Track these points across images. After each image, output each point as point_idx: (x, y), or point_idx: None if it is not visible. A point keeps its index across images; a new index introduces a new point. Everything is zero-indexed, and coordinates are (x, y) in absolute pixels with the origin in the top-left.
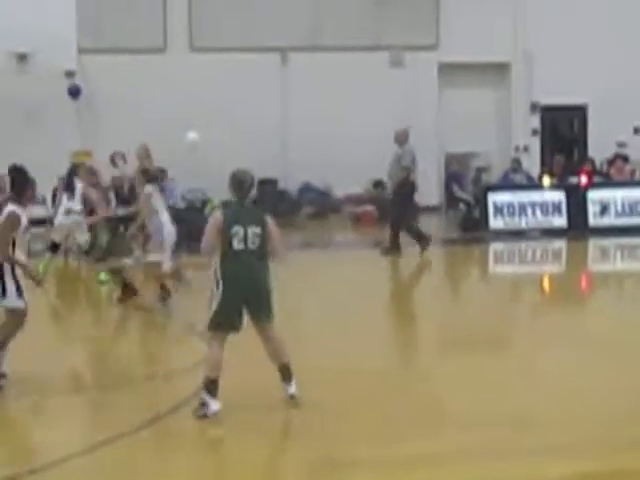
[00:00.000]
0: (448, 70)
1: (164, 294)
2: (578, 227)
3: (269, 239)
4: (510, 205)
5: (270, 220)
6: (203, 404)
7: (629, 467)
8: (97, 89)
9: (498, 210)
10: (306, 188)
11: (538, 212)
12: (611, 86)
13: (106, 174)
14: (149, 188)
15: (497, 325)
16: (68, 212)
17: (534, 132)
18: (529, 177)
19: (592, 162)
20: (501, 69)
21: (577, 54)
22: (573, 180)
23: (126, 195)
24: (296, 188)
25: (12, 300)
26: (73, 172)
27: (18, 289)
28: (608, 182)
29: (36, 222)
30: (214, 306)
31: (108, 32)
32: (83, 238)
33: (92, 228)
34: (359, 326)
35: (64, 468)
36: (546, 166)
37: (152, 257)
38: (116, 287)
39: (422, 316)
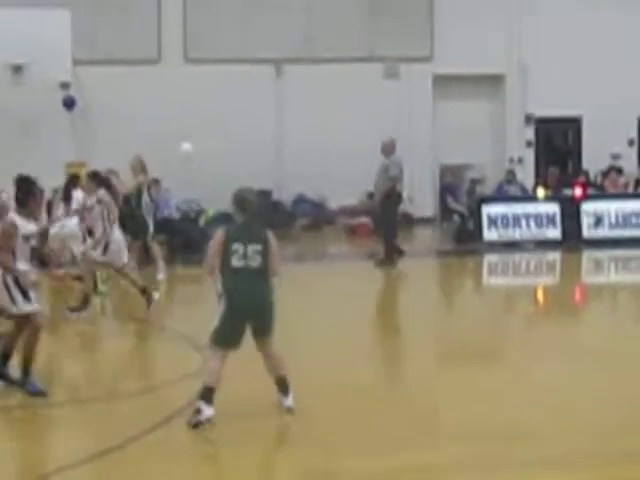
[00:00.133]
0: (443, 82)
1: (147, 299)
2: (572, 239)
3: (269, 256)
4: (504, 217)
5: (271, 237)
6: (198, 410)
7: (622, 479)
8: (92, 100)
9: (492, 222)
10: (300, 200)
11: (532, 224)
12: (605, 98)
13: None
14: (102, 192)
15: (491, 337)
16: (63, 224)
17: (528, 144)
18: (523, 189)
19: (586, 174)
20: (496, 81)
21: (572, 66)
22: (567, 192)
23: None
24: (290, 199)
25: (22, 306)
26: (71, 183)
27: (25, 295)
28: (602, 194)
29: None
30: (217, 322)
31: (103, 44)
32: (78, 248)
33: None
34: (353, 338)
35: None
36: (540, 178)
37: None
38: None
39: (416, 328)
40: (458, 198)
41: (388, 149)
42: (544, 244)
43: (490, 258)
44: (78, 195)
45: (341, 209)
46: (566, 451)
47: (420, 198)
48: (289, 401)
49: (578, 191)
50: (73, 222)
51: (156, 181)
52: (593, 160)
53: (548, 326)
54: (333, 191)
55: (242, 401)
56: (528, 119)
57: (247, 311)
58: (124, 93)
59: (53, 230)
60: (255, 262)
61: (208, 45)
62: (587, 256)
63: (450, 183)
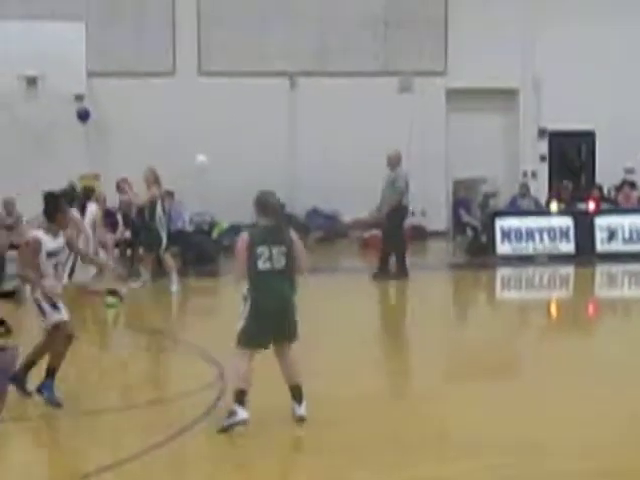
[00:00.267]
0: (456, 96)
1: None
2: (585, 253)
3: (295, 257)
4: (517, 230)
5: (296, 238)
6: (232, 413)
7: None
8: (106, 113)
9: (505, 235)
10: (314, 212)
11: (546, 238)
12: (619, 112)
13: (114, 198)
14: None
15: (503, 351)
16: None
17: (542, 158)
18: (537, 203)
19: (600, 188)
20: (509, 95)
21: (585, 80)
22: (581, 206)
23: (134, 218)
24: (304, 212)
25: (51, 317)
26: (85, 196)
27: (54, 306)
28: (616, 208)
29: None
30: (241, 324)
31: (117, 56)
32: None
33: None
34: (365, 351)
35: None
36: (554, 192)
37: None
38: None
39: (428, 341)
40: (471, 212)
41: (394, 162)
42: (557, 258)
43: (503, 272)
44: (92, 208)
45: (354, 222)
46: (580, 466)
47: (433, 212)
48: (302, 410)
49: (591, 205)
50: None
51: (170, 193)
52: (607, 174)
53: (561, 340)
54: (346, 204)
55: (257, 411)
56: (542, 133)
57: (273, 313)
58: (138, 105)
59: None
60: (280, 264)
61: (222, 58)
62: (600, 270)
63: (463, 197)
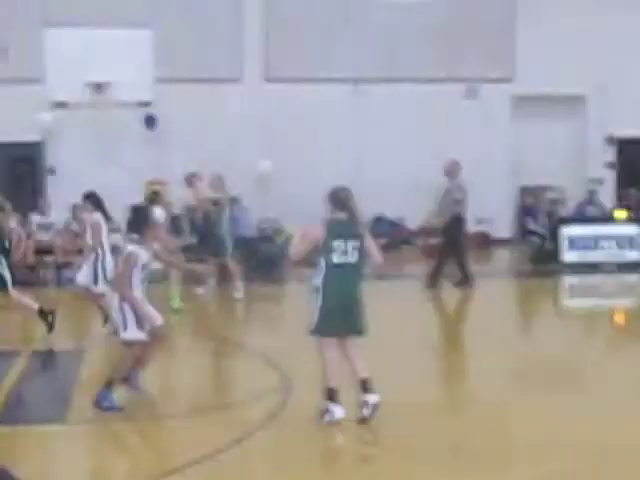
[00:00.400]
0: (522, 102)
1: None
2: None
3: (366, 252)
4: (584, 238)
5: (367, 233)
6: (327, 411)
7: None
8: (172, 119)
9: (572, 243)
10: (379, 219)
11: (612, 245)
12: None
13: (178, 202)
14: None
15: (569, 360)
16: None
17: (609, 165)
18: (604, 210)
19: None
20: (576, 101)
21: None
22: None
23: (200, 223)
24: (369, 219)
25: (132, 332)
26: (151, 201)
27: (138, 322)
28: None
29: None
30: (315, 316)
31: (184, 62)
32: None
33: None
34: (428, 357)
35: None
36: (621, 199)
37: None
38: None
39: (493, 348)
40: (537, 219)
41: (451, 171)
42: (624, 266)
43: (569, 280)
44: (158, 213)
45: (420, 229)
46: None
47: (499, 219)
48: (374, 398)
49: None
50: None
51: (235, 199)
52: None
53: (628, 349)
54: (411, 211)
55: (314, 416)
56: (609, 140)
57: (344, 306)
58: (205, 111)
59: None
60: (353, 258)
61: (288, 64)
62: None
63: (529, 204)
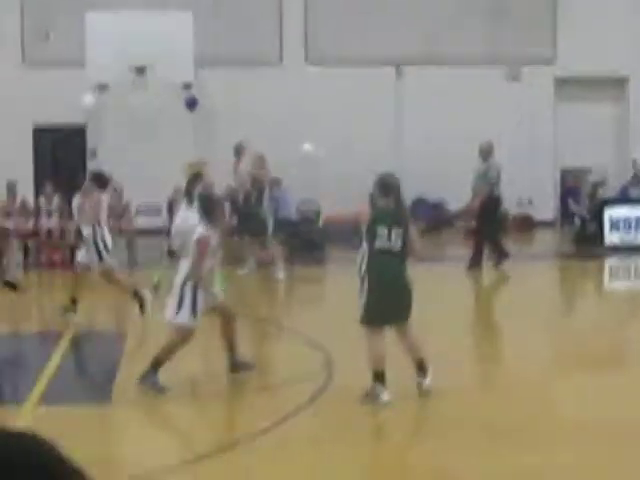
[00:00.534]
0: (565, 84)
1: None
2: None
3: (408, 239)
4: (627, 220)
5: (410, 221)
6: (371, 394)
7: None
8: (213, 101)
9: (614, 225)
10: (420, 201)
11: None
12: None
13: (220, 185)
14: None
15: (610, 341)
16: (186, 219)
17: None
18: None
19: None
20: (619, 83)
21: None
22: None
23: (241, 205)
24: (409, 202)
25: (183, 317)
26: (193, 181)
27: (193, 309)
28: None
29: (152, 232)
30: (362, 303)
31: (224, 45)
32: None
33: None
34: (471, 339)
35: (185, 473)
36: None
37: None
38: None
39: (536, 331)
40: (579, 201)
41: (485, 153)
42: None
43: (611, 262)
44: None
45: (460, 211)
46: None
47: (541, 201)
48: (427, 381)
49: None
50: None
51: (277, 181)
52: None
53: None
54: (452, 193)
55: (357, 397)
56: None
57: (392, 292)
58: (245, 94)
59: (175, 226)
60: (397, 245)
61: (329, 46)
62: None
63: (571, 186)
